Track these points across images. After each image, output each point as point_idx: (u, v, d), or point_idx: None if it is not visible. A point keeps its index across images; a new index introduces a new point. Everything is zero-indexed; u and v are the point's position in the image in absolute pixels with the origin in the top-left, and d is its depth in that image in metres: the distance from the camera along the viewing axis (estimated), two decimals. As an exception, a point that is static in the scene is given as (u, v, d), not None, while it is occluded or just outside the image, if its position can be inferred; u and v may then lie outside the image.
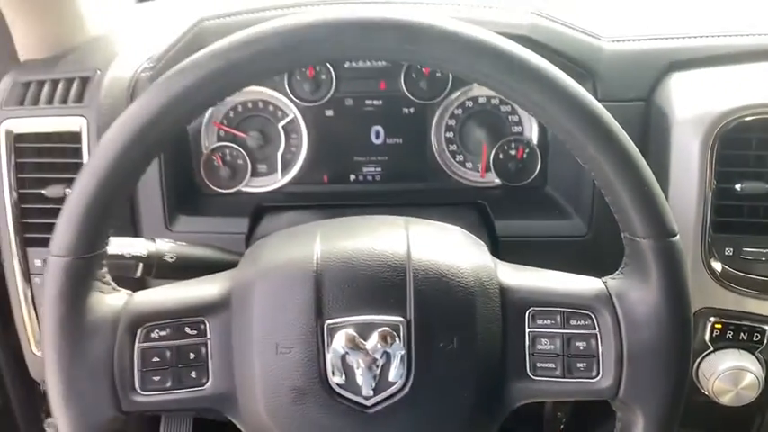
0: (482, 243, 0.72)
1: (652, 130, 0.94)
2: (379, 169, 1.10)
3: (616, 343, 0.64)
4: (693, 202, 0.87)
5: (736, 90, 0.88)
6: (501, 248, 0.96)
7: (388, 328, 0.62)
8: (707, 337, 0.91)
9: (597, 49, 0.97)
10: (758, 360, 0.90)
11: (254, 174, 1.10)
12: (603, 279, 0.68)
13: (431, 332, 0.63)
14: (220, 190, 1.09)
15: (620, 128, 0.62)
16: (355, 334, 0.62)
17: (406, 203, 0.97)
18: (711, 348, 0.91)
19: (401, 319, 0.63)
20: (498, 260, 0.71)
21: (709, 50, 0.96)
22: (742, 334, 0.90)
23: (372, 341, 0.62)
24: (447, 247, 0.68)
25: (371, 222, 0.71)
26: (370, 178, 1.10)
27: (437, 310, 0.64)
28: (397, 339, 0.62)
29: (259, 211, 1.03)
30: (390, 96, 1.07)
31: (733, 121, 0.84)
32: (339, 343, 0.62)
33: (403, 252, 0.65)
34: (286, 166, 1.09)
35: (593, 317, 0.65)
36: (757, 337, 0.90)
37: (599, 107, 0.61)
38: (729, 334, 0.90)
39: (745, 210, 0.87)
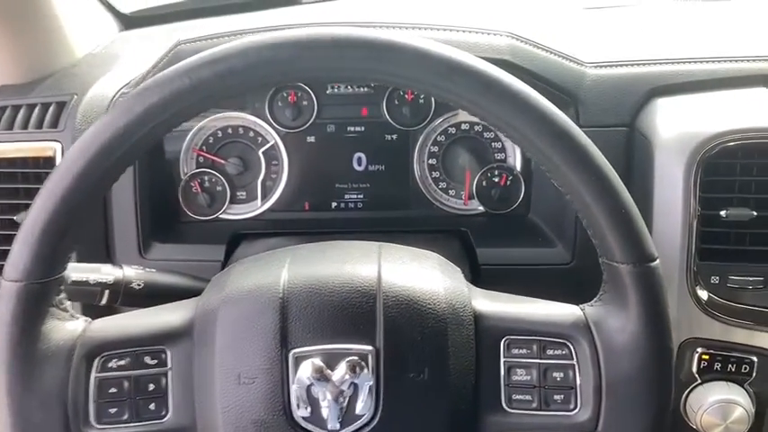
0: (458, 269, 0.70)
1: (635, 155, 0.93)
2: (361, 196, 1.08)
3: (594, 373, 0.62)
4: (678, 229, 0.85)
5: (718, 115, 0.87)
6: (483, 277, 0.94)
7: (356, 358, 0.60)
8: (694, 368, 0.88)
9: (579, 75, 0.96)
10: (747, 393, 0.87)
11: (234, 201, 1.08)
12: (581, 306, 0.65)
13: (401, 362, 0.61)
14: (198, 217, 1.07)
15: (598, 150, 0.60)
16: (322, 364, 0.60)
17: (388, 231, 0.95)
18: (699, 380, 0.88)
19: (370, 347, 0.60)
20: (474, 287, 0.68)
21: (692, 76, 0.95)
22: (730, 365, 0.87)
23: (340, 371, 0.60)
24: (419, 273, 0.65)
25: (344, 247, 0.69)
26: (351, 205, 1.08)
27: (408, 338, 0.61)
28: (365, 369, 0.60)
29: (236, 238, 1.01)
30: (372, 123, 1.06)
31: (716, 147, 0.83)
32: (305, 373, 0.60)
33: (373, 277, 0.63)
34: (266, 193, 1.08)
35: (570, 346, 0.63)
36: (746, 368, 0.87)
37: (574, 128, 0.60)
38: (717, 365, 0.87)
39: (732, 236, 0.85)
